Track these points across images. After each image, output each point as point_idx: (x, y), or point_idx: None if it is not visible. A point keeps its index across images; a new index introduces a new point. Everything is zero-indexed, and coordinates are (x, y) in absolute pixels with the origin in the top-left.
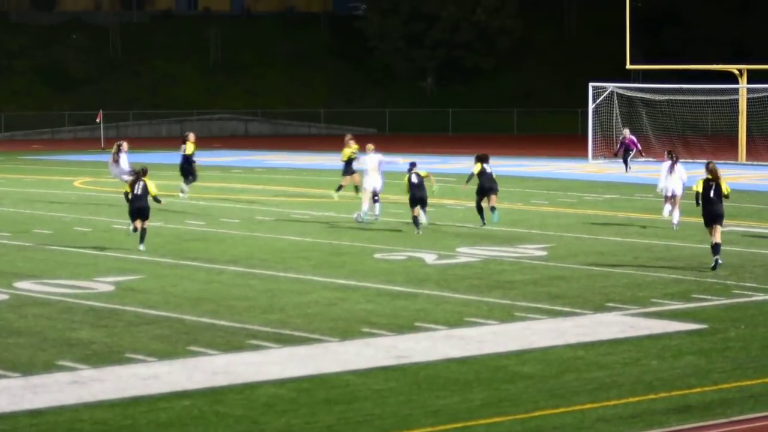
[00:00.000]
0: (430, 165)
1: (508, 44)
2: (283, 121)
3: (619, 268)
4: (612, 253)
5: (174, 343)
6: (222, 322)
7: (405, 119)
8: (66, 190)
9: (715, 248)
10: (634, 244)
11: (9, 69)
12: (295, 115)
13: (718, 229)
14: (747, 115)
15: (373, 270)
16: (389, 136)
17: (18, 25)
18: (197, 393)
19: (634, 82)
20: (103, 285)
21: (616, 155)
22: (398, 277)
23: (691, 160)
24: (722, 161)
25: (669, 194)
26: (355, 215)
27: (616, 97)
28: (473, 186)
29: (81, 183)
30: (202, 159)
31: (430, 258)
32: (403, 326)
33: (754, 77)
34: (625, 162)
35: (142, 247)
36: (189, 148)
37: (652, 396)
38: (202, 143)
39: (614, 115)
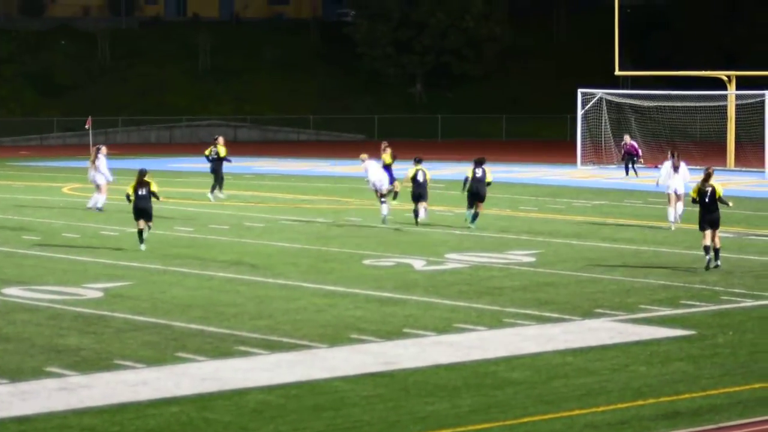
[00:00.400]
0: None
1: (496, 51)
2: (272, 127)
3: (608, 274)
4: (601, 259)
5: (162, 349)
6: (211, 329)
7: (394, 125)
8: (55, 197)
9: (716, 252)
10: (622, 250)
11: None
12: (284, 122)
13: (717, 234)
14: (735, 121)
15: (362, 276)
16: (378, 143)
17: (6, 31)
18: (186, 399)
19: (622, 88)
20: (92, 291)
21: (623, 160)
22: (387, 283)
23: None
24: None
25: (671, 192)
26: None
27: (604, 104)
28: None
29: (70, 189)
30: (189, 165)
31: (418, 264)
32: (391, 332)
33: (742, 83)
34: (626, 167)
35: (143, 247)
36: (222, 150)
37: (640, 402)
38: (190, 150)
39: (603, 121)
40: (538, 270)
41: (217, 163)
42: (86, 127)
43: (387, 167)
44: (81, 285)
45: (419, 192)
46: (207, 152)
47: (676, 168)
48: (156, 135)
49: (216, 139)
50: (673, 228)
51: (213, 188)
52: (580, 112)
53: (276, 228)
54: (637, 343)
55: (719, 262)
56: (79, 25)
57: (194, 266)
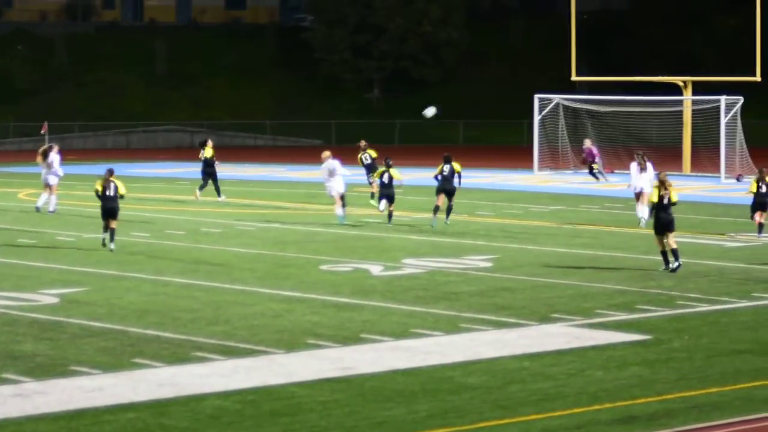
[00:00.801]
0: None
1: (454, 56)
2: (228, 133)
3: (565, 279)
4: (557, 264)
5: (119, 355)
6: (167, 334)
7: (351, 130)
8: (10, 202)
9: (675, 253)
10: (579, 255)
11: None
12: (240, 127)
13: (671, 235)
14: (692, 126)
15: (319, 282)
16: (335, 148)
17: None
18: (142, 405)
19: (579, 93)
20: (48, 297)
21: (584, 163)
22: (344, 288)
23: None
24: (667, 172)
25: (638, 191)
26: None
27: (561, 109)
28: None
29: (25, 195)
30: (146, 171)
31: (375, 269)
32: (348, 338)
33: (698, 89)
34: (591, 173)
35: (112, 246)
36: (208, 152)
37: (596, 407)
38: (146, 155)
39: (560, 126)
40: (495, 275)
41: (205, 164)
42: (42, 132)
43: (368, 166)
44: (37, 291)
45: (385, 193)
46: (203, 156)
47: (643, 168)
48: (113, 140)
49: (205, 141)
50: (642, 223)
51: (218, 191)
52: (536, 118)
53: (233, 233)
54: (594, 348)
55: (680, 261)
56: (36, 30)
57: (150, 272)
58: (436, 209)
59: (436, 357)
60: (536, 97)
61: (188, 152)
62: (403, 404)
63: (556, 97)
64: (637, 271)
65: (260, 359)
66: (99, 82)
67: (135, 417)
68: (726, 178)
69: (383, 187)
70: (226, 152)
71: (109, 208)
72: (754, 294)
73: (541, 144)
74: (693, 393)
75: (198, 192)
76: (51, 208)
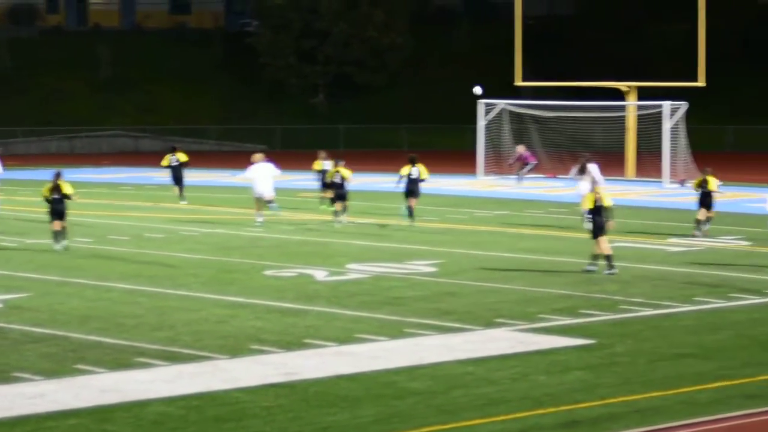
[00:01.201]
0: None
1: (398, 61)
2: (174, 138)
3: (509, 283)
4: (501, 269)
5: (61, 361)
6: (110, 340)
7: (296, 135)
8: None
9: (609, 258)
10: (523, 260)
11: None
12: (185, 132)
13: (606, 240)
14: (636, 131)
15: (263, 287)
16: (280, 153)
17: None
18: (84, 411)
19: (524, 99)
20: None
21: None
22: (288, 293)
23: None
24: (611, 177)
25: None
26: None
27: (506, 114)
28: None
29: None
30: (90, 176)
31: (320, 275)
32: (292, 343)
33: (642, 95)
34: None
35: (58, 247)
36: (183, 156)
37: (540, 411)
38: (91, 160)
39: (504, 131)
40: (440, 280)
41: (178, 169)
42: None
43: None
44: None
45: (339, 193)
46: (166, 162)
47: (582, 171)
48: (57, 145)
49: (174, 147)
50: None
51: (180, 193)
52: (481, 123)
53: (177, 239)
54: (537, 353)
55: (597, 266)
56: None
57: (93, 277)
58: (410, 210)
59: (380, 362)
60: (481, 101)
61: (133, 157)
62: (347, 409)
63: (501, 102)
64: (580, 275)
65: (204, 365)
66: (42, 86)
67: (77, 423)
68: (670, 183)
69: (336, 188)
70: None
71: (57, 211)
72: (697, 298)
73: (485, 149)
74: (636, 397)
75: (183, 200)
76: None
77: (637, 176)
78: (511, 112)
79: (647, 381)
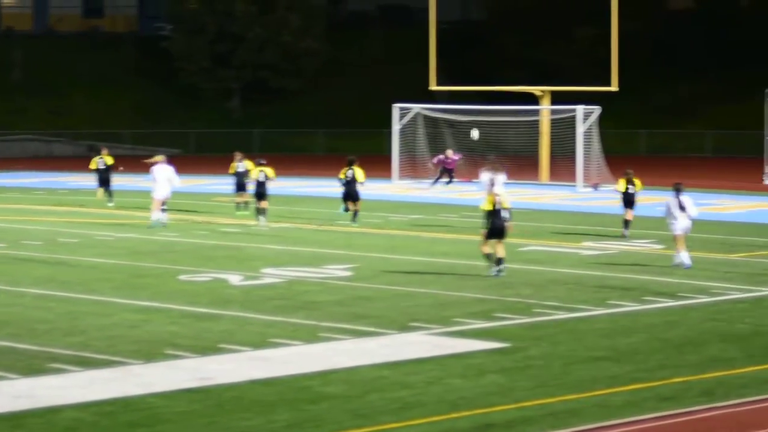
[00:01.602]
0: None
1: (314, 65)
2: (87, 142)
3: (424, 287)
4: (416, 273)
5: None
6: (22, 346)
7: (210, 140)
8: None
9: (500, 261)
10: (437, 264)
11: None
12: (99, 136)
13: (503, 244)
14: (549, 136)
15: (177, 291)
16: (195, 157)
17: None
18: None
19: (439, 103)
20: None
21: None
22: (202, 298)
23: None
24: (524, 181)
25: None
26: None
27: (421, 119)
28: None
29: None
30: (2, 181)
31: (235, 279)
32: (206, 348)
33: (556, 99)
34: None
35: None
36: (109, 159)
37: (455, 414)
38: (2, 164)
39: (419, 136)
40: (355, 284)
41: (105, 172)
42: None
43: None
44: None
45: (259, 191)
46: (93, 165)
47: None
48: None
49: (101, 149)
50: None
51: (109, 196)
52: (396, 127)
53: (90, 243)
54: (452, 356)
55: (503, 271)
56: None
57: (5, 282)
58: (348, 210)
59: (294, 366)
60: (396, 106)
61: (46, 162)
62: (262, 414)
63: (416, 107)
64: (495, 279)
65: (117, 370)
66: None
67: None
68: (583, 186)
69: (258, 186)
70: (84, 162)
71: None
72: (610, 301)
73: (400, 153)
74: (550, 400)
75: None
76: None
77: (550, 180)
78: (426, 117)
79: (562, 384)
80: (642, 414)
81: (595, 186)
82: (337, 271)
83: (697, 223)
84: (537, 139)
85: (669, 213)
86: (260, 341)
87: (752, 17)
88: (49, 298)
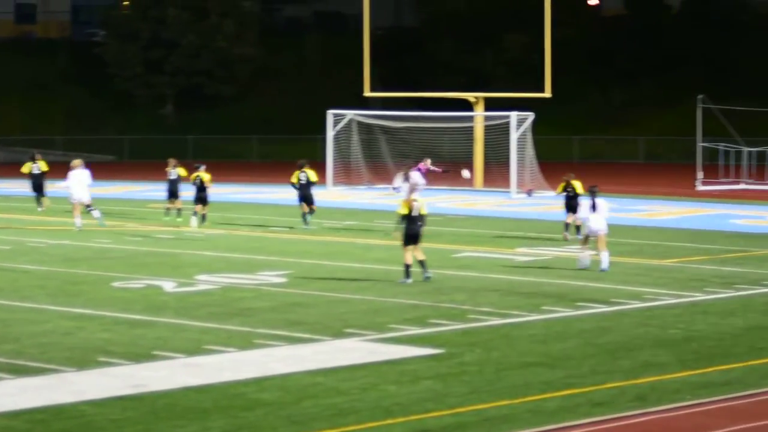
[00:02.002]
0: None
1: (249, 71)
2: (19, 149)
3: (358, 294)
4: (351, 279)
5: None
6: None
7: (144, 146)
8: None
9: (423, 264)
10: (372, 270)
11: None
12: (31, 143)
13: (420, 248)
14: (483, 142)
15: (111, 298)
16: (128, 163)
17: None
18: None
19: (373, 109)
20: None
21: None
22: (136, 305)
23: (428, 187)
24: (458, 187)
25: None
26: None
27: (355, 125)
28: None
29: None
30: None
31: (169, 286)
32: (140, 355)
33: (490, 105)
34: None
35: None
36: (44, 165)
37: (389, 421)
38: None
39: (354, 142)
40: (289, 290)
41: (39, 178)
42: None
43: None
44: None
45: (198, 195)
46: (27, 169)
47: (407, 178)
48: None
49: (36, 155)
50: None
51: (39, 202)
52: (330, 133)
53: (23, 250)
54: (387, 363)
55: (429, 273)
56: None
57: None
58: (305, 216)
59: (229, 373)
60: (330, 112)
61: None
62: (196, 421)
63: (350, 113)
64: (429, 285)
65: (50, 377)
66: None
67: None
68: (517, 192)
69: (197, 191)
70: (16, 168)
71: None
72: (544, 307)
73: (335, 159)
74: (484, 406)
75: (40, 207)
76: None
77: (484, 186)
78: (360, 123)
79: (495, 390)
80: (575, 419)
81: (529, 192)
82: (271, 277)
83: (630, 229)
84: (471, 146)
85: (584, 214)
86: (194, 348)
87: (683, 23)
88: None
